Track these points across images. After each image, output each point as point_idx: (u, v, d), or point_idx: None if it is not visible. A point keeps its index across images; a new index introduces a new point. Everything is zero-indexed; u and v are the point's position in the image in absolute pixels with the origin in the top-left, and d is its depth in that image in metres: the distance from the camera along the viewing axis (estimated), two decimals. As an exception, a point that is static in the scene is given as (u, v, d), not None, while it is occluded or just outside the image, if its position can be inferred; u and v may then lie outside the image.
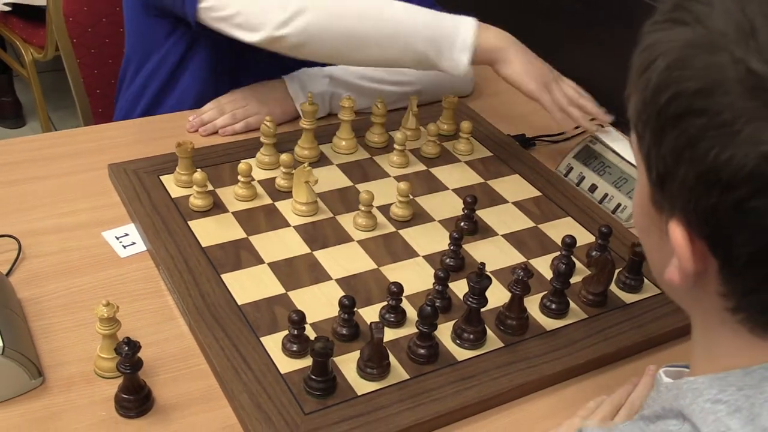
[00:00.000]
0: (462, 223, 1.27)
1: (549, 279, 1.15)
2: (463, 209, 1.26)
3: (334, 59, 1.42)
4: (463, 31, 1.34)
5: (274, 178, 1.34)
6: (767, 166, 0.53)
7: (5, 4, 2.79)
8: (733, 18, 0.55)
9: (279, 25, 1.31)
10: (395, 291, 1.07)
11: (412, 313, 1.10)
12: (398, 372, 1.02)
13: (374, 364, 1.00)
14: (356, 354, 1.03)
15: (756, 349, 0.62)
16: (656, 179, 0.62)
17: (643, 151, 0.63)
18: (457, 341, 1.07)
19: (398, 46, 1.35)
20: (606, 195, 1.39)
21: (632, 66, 0.63)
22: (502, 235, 1.28)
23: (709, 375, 0.62)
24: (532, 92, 1.38)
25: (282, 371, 1.00)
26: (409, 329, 1.08)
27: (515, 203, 1.36)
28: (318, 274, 1.17)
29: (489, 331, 1.09)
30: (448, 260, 1.19)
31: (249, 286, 1.13)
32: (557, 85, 1.40)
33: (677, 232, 0.60)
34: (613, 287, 1.18)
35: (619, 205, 1.37)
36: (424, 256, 1.22)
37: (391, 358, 1.03)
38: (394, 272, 1.18)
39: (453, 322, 1.09)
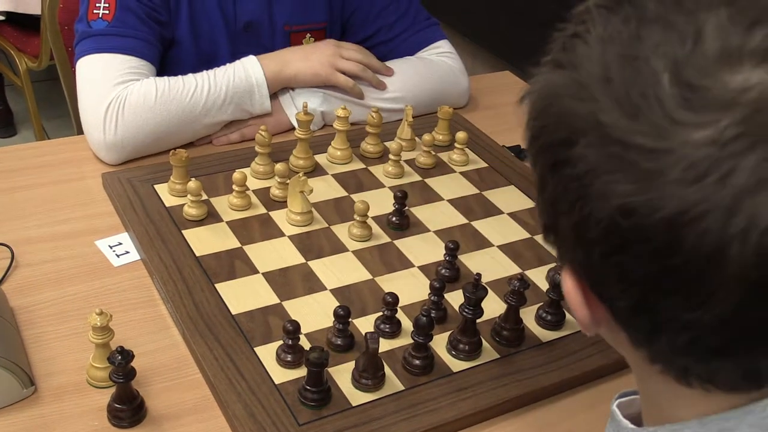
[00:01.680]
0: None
1: (545, 290, 1.14)
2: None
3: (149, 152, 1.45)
4: (254, 80, 1.44)
5: (269, 188, 1.34)
6: (622, 221, 0.50)
7: (-1, 13, 2.79)
8: (597, 62, 0.53)
9: (105, 146, 1.37)
10: (390, 301, 1.06)
11: (407, 323, 1.09)
12: (393, 383, 1.02)
13: (369, 374, 1.00)
14: (351, 364, 1.02)
15: (695, 399, 0.59)
16: (543, 228, 0.60)
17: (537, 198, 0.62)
18: (453, 352, 1.07)
19: (213, 126, 1.45)
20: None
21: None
22: (498, 246, 1.28)
23: (666, 426, 0.61)
24: (325, 80, 1.49)
25: (276, 381, 1.00)
26: (405, 340, 1.07)
27: (511, 214, 1.35)
28: (313, 284, 1.16)
29: (484, 343, 1.08)
30: (443, 271, 1.19)
31: (243, 295, 1.12)
32: (342, 60, 1.50)
33: (567, 282, 0.60)
34: (609, 299, 1.18)
35: (614, 216, 1.37)
36: (419, 267, 1.22)
37: (386, 369, 1.02)
38: (389, 282, 1.18)
39: (448, 333, 1.09)
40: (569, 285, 0.60)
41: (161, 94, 1.37)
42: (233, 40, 1.55)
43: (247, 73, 1.43)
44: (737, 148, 0.47)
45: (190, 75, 1.42)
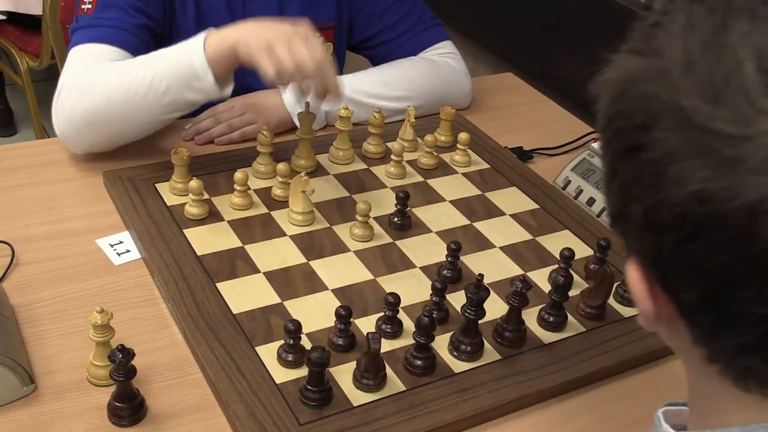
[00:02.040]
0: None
1: (547, 292, 1.14)
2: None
3: (121, 142, 1.40)
4: (195, 56, 1.27)
5: (271, 188, 1.33)
6: (698, 208, 0.50)
7: (0, 12, 2.78)
8: (679, 48, 0.52)
9: (58, 130, 1.36)
10: (392, 301, 1.06)
11: (408, 324, 1.09)
12: (394, 383, 1.02)
13: (370, 375, 0.99)
14: (352, 365, 1.02)
15: (747, 405, 0.58)
16: (611, 217, 0.60)
17: (604, 186, 0.61)
18: (454, 353, 1.06)
19: (152, 108, 1.31)
20: (604, 209, 1.39)
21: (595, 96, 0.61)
22: (500, 247, 1.27)
23: (708, 431, 0.60)
24: (254, 58, 1.22)
25: (277, 381, 0.99)
26: (406, 340, 1.07)
27: (513, 216, 1.35)
28: (314, 284, 1.16)
29: (486, 344, 1.08)
30: (445, 271, 1.19)
31: (244, 295, 1.12)
32: (284, 46, 1.21)
33: (632, 273, 0.59)
34: (611, 301, 1.18)
35: (616, 218, 1.36)
36: (421, 267, 1.21)
37: (388, 370, 1.02)
38: (390, 283, 1.17)
39: (450, 333, 1.08)
40: (634, 276, 0.58)
41: (97, 78, 1.33)
42: None
43: (186, 51, 1.28)
44: None
45: (139, 57, 1.35)
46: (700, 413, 0.64)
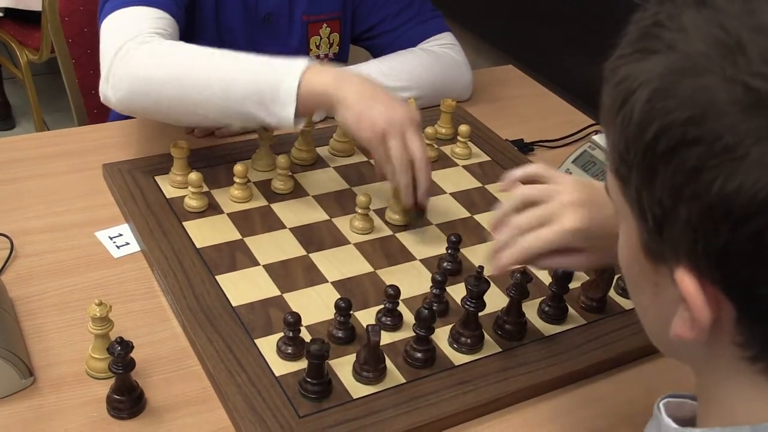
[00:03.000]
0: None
1: (547, 284, 1.14)
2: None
3: (163, 121, 1.37)
4: (287, 82, 1.18)
5: (270, 180, 1.33)
6: None
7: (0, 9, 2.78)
8: (712, 38, 0.51)
9: (105, 97, 1.28)
10: (392, 294, 1.06)
11: (408, 316, 1.09)
12: (394, 376, 1.01)
13: (370, 367, 0.99)
14: (352, 357, 1.02)
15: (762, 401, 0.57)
16: (653, 225, 0.55)
17: (631, 196, 0.57)
18: (455, 345, 1.06)
19: (218, 108, 1.24)
20: (604, 201, 1.38)
21: (603, 105, 0.58)
22: (500, 240, 1.27)
23: (716, 429, 0.58)
24: (366, 142, 1.19)
25: (277, 374, 0.99)
26: (406, 333, 1.07)
27: (513, 208, 1.35)
28: (314, 277, 1.15)
29: (486, 336, 1.08)
30: (445, 264, 1.18)
31: (244, 287, 1.12)
32: (396, 140, 1.17)
33: (687, 281, 0.54)
34: (612, 293, 1.17)
35: (617, 211, 1.36)
36: (421, 260, 1.21)
37: (388, 362, 1.02)
38: (390, 275, 1.17)
39: (450, 326, 1.08)
40: (690, 285, 0.54)
41: (173, 49, 1.26)
42: (250, 33, 1.53)
43: (281, 71, 1.20)
44: None
45: (223, 51, 1.26)
46: (715, 413, 0.61)
